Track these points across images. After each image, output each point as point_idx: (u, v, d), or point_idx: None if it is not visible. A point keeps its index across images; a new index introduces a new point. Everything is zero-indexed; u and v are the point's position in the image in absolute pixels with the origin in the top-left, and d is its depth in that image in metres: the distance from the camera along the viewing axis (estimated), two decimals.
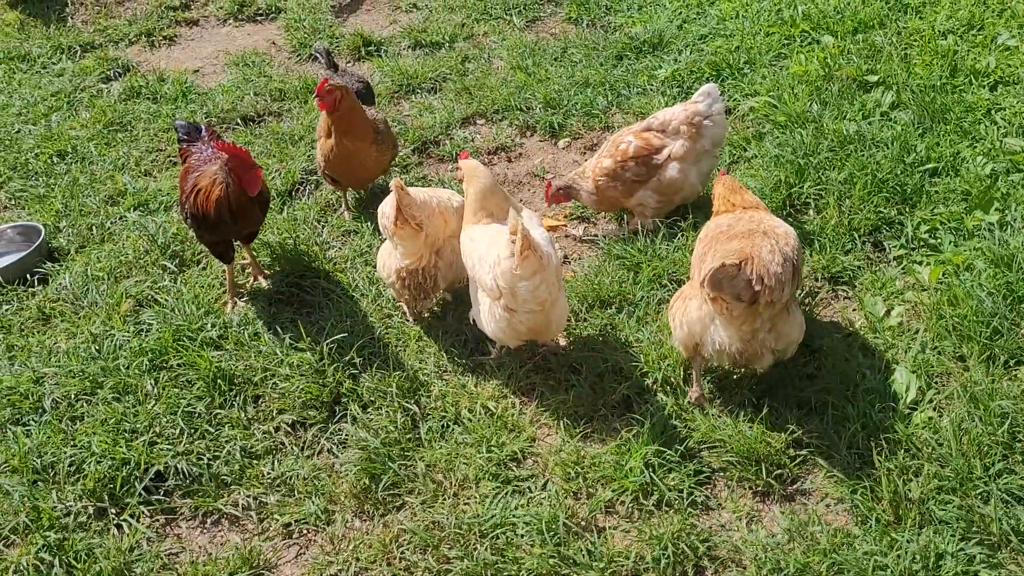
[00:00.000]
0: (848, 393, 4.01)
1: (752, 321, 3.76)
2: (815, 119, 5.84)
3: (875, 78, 6.12)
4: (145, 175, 6.58)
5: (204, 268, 5.50)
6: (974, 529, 3.41)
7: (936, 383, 4.04)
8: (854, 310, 4.59)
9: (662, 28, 7.37)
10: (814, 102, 6.03)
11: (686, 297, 4.06)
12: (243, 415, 4.42)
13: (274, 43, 8.45)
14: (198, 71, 8.12)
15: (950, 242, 4.73)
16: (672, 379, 4.24)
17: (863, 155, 5.36)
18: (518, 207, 4.52)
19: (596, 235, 5.42)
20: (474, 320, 4.51)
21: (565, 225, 5.59)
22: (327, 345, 4.60)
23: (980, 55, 6.19)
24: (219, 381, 4.56)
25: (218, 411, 4.45)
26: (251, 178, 4.66)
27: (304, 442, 4.33)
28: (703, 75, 6.66)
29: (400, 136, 6.56)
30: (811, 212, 5.19)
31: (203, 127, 5.28)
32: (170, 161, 6.71)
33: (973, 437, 3.66)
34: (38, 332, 5.13)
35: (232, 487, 4.13)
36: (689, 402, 4.12)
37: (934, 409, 3.90)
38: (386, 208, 4.55)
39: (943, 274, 4.51)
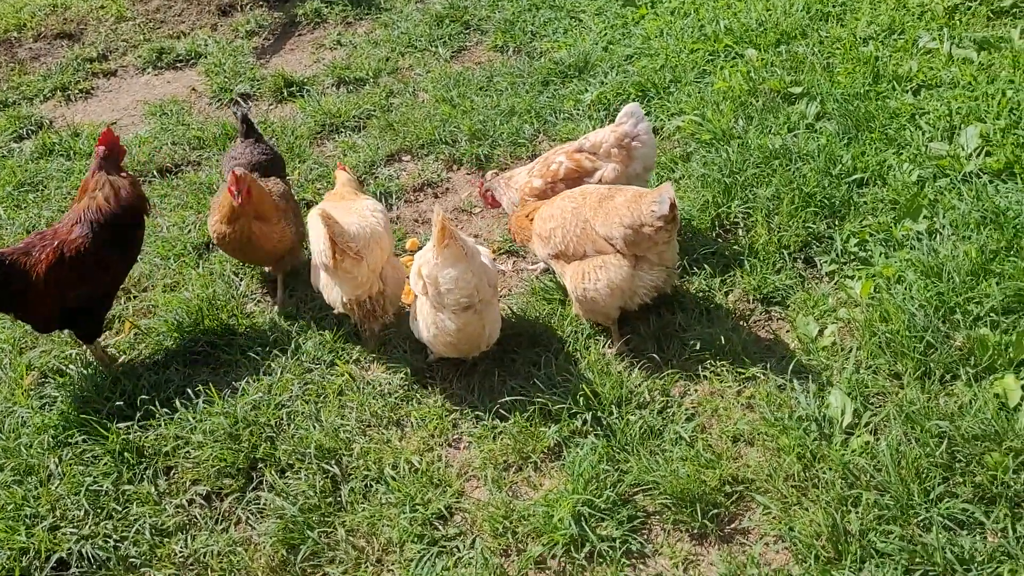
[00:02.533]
0: (783, 422, 3.84)
1: (673, 244, 4.27)
2: (740, 135, 5.73)
3: (799, 89, 6.04)
4: None
5: (117, 334, 5.23)
6: (917, 560, 3.24)
7: (872, 404, 3.89)
8: (787, 331, 4.44)
9: (587, 50, 7.25)
10: (739, 118, 5.92)
11: (595, 267, 4.29)
12: (153, 489, 4.15)
13: (194, 89, 8.20)
14: (115, 123, 7.85)
15: (881, 254, 4.61)
16: (604, 419, 4.05)
17: (789, 170, 5.25)
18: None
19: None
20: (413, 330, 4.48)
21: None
22: (241, 408, 4.35)
23: (902, 60, 6.13)
24: (127, 454, 4.29)
25: (126, 487, 4.17)
26: None
27: (219, 514, 4.06)
28: (629, 96, 6.54)
29: (322, 179, 6.36)
30: (740, 231, 5.05)
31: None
32: None
33: (911, 460, 3.50)
34: None
35: (142, 569, 3.85)
36: (615, 354, 4.40)
37: (871, 432, 3.75)
38: (320, 244, 4.34)
39: (874, 288, 4.39)
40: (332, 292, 4.58)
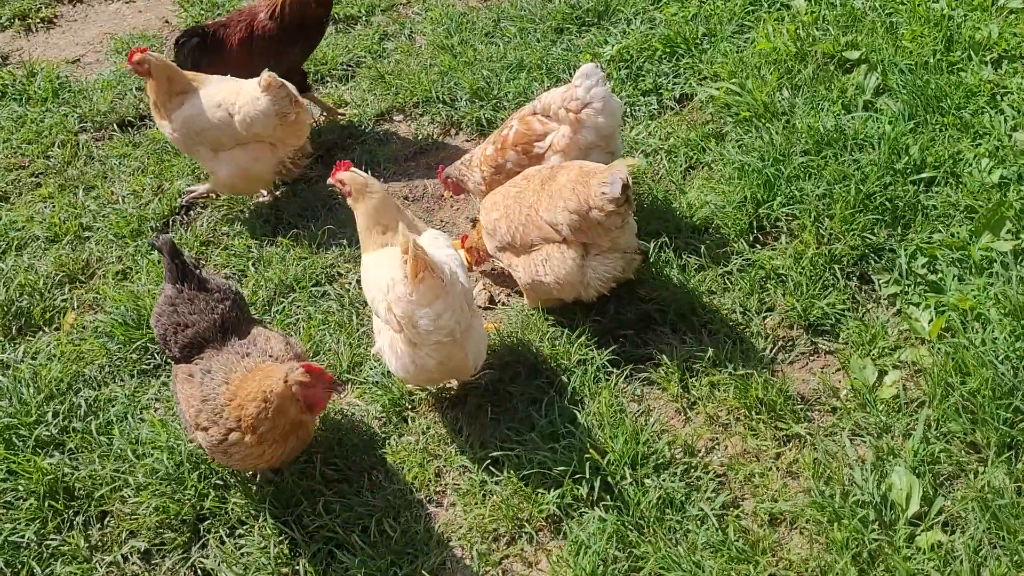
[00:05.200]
0: (834, 504, 3.15)
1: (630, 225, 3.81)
2: (786, 111, 4.88)
3: (856, 55, 5.14)
4: (1, 201, 5.55)
5: (56, 330, 4.54)
6: None
7: (945, 486, 3.19)
8: (838, 371, 3.72)
9: None
10: (784, 87, 5.06)
11: (540, 261, 3.86)
12: (83, 543, 3.53)
13: (167, 21, 7.30)
14: (77, 61, 6.98)
15: (954, 277, 3.84)
16: (614, 485, 3.37)
17: (844, 161, 4.42)
18: (411, 222, 3.70)
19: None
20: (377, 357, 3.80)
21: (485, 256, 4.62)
22: (187, 447, 3.70)
23: (980, 21, 5.20)
24: (56, 495, 3.66)
25: (51, 538, 3.55)
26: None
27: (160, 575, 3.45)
28: (655, 53, 5.65)
29: None
30: (783, 238, 4.27)
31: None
32: (33, 182, 5.68)
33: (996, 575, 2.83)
34: None
35: None
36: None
37: (944, 527, 3.06)
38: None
39: (947, 326, 3.64)
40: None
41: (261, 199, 5.22)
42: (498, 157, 4.40)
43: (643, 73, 5.55)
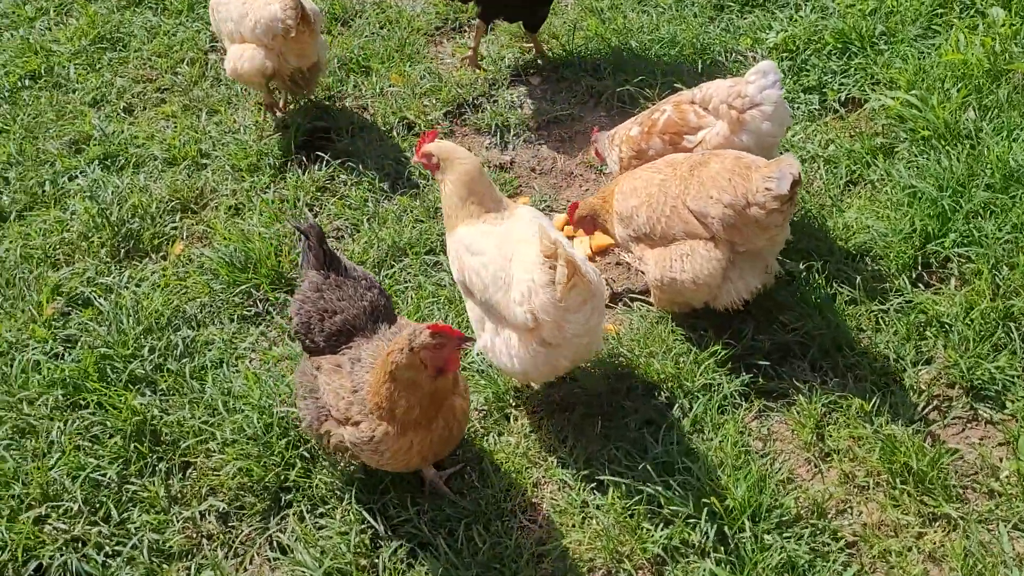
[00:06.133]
0: None
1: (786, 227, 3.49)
2: (971, 136, 4.35)
3: None
4: (124, 113, 5.45)
5: (162, 258, 4.42)
6: None
7: None
8: (1000, 445, 3.29)
9: None
10: (971, 107, 4.51)
11: (680, 255, 3.51)
12: (163, 492, 3.40)
13: None
14: None
15: None
16: (730, 536, 3.04)
17: None
18: (499, 198, 3.45)
19: None
20: (481, 353, 3.51)
21: (613, 247, 4.30)
22: (279, 410, 3.51)
23: None
24: (143, 438, 3.54)
25: (132, 482, 3.44)
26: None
27: (234, 542, 3.30)
28: (824, 47, 5.14)
29: (432, 94, 5.27)
30: (952, 281, 3.80)
31: None
32: (158, 97, 5.56)
33: None
34: None
35: None
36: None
37: None
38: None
39: None
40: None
41: (274, 114, 5.12)
42: (641, 141, 4.04)
43: (807, 68, 5.06)
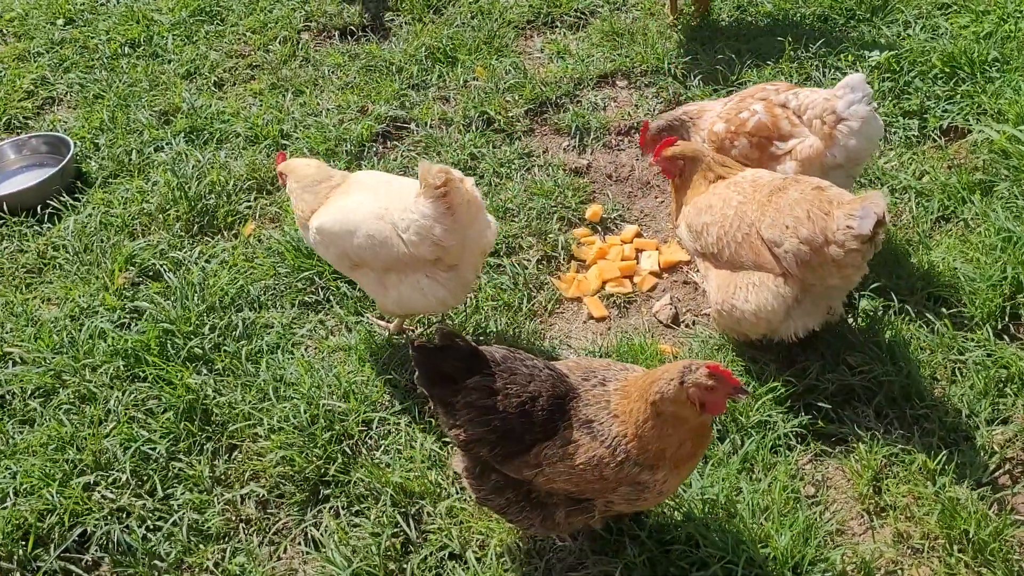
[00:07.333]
0: None
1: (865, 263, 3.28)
2: None
3: None
4: (214, 87, 5.55)
5: (234, 236, 4.49)
6: None
7: None
8: None
9: None
10: None
11: (747, 284, 3.38)
12: (208, 472, 3.45)
13: None
14: None
15: None
16: None
17: None
18: None
19: None
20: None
21: (683, 264, 4.17)
22: (326, 402, 3.53)
23: None
24: (194, 417, 3.60)
25: (179, 458, 3.50)
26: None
27: (270, 529, 3.33)
28: (930, 70, 4.86)
29: (515, 89, 5.20)
30: None
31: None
32: (248, 74, 5.65)
33: None
34: (27, 288, 4.33)
35: None
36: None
37: None
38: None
39: None
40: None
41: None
42: (727, 139, 3.87)
43: (910, 91, 4.81)
